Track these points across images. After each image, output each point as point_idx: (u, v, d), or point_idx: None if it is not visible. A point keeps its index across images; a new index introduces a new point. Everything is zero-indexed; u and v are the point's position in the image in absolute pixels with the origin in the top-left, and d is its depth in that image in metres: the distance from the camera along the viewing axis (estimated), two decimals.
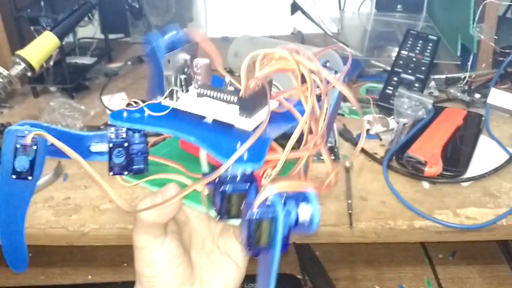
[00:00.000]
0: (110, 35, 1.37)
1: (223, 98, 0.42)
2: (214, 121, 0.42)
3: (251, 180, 0.37)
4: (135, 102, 0.44)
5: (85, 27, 1.31)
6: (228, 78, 0.44)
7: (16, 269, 0.47)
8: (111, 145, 0.42)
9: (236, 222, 0.39)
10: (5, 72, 0.93)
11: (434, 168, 0.83)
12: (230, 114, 0.41)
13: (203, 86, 0.43)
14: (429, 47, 1.10)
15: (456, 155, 0.88)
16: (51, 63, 1.15)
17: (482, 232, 0.77)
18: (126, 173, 0.44)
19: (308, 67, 0.40)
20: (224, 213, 0.38)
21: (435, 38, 1.11)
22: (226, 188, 0.37)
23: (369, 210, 0.79)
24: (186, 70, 0.44)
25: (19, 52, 0.94)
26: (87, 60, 1.26)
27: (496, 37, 1.11)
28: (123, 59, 1.34)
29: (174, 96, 0.43)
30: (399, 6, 1.36)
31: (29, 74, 0.95)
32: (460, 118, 0.97)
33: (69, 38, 1.24)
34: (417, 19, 1.35)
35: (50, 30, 0.98)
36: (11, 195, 0.43)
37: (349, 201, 0.79)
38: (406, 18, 1.35)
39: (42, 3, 1.13)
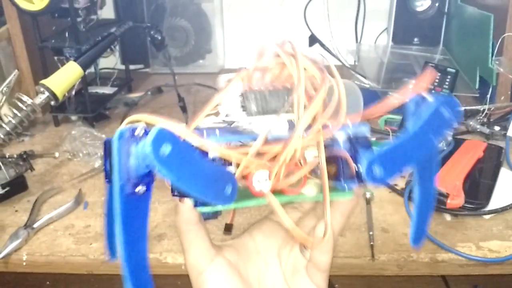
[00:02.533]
0: (130, 66, 1.39)
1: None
2: None
3: None
4: None
5: (106, 58, 1.34)
6: None
7: None
8: None
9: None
10: (29, 101, 0.94)
11: (456, 200, 0.82)
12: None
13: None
14: (447, 80, 1.10)
15: (478, 188, 0.88)
16: (73, 92, 1.17)
17: (505, 266, 0.76)
18: None
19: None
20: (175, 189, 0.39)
21: (453, 70, 1.11)
22: None
23: (391, 242, 0.78)
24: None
25: (43, 81, 0.95)
26: (107, 90, 1.28)
27: None
28: (143, 89, 1.36)
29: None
30: (415, 39, 1.37)
31: (52, 103, 0.97)
32: (480, 151, 0.97)
33: (91, 69, 1.26)
34: (434, 51, 1.36)
35: (74, 60, 0.99)
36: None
37: (371, 233, 0.79)
38: (423, 51, 1.36)
39: (66, 34, 1.15)
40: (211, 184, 0.37)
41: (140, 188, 0.37)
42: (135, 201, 0.37)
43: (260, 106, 0.41)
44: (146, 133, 0.36)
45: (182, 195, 0.40)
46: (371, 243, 0.77)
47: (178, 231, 0.42)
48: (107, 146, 0.38)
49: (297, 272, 0.45)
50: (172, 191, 0.40)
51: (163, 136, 0.34)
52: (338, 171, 0.41)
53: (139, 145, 0.35)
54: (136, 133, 0.36)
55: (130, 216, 0.37)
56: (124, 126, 0.37)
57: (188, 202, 0.41)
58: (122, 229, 0.37)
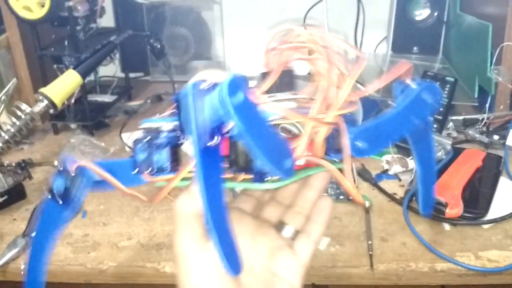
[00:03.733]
0: (130, 74, 1.40)
1: None
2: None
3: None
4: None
5: (106, 66, 1.34)
6: None
7: None
8: (135, 142, 0.42)
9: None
10: (28, 109, 0.94)
11: (455, 209, 0.82)
12: None
13: None
14: (446, 89, 1.10)
15: (477, 197, 0.88)
16: (72, 100, 1.17)
17: (504, 276, 0.76)
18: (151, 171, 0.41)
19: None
20: (233, 165, 0.40)
21: (452, 79, 1.11)
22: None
23: (390, 252, 0.78)
24: None
25: (42, 89, 0.96)
26: (107, 98, 1.28)
27: None
28: (143, 97, 1.36)
29: None
30: (415, 48, 1.37)
31: (51, 111, 0.97)
32: (479, 160, 0.96)
33: (90, 77, 1.26)
34: (433, 60, 1.36)
35: (74, 69, 0.99)
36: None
37: (370, 242, 0.79)
38: (422, 60, 1.36)
39: (66, 42, 1.16)
40: (274, 146, 0.38)
41: (215, 140, 0.38)
42: (210, 153, 0.38)
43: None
44: (213, 87, 0.36)
45: (239, 170, 0.40)
46: (370, 252, 0.77)
47: (176, 212, 0.41)
48: (179, 101, 0.38)
49: (276, 252, 0.44)
50: (230, 164, 0.40)
51: (237, 82, 0.35)
52: (327, 144, 0.43)
53: (214, 92, 0.35)
54: (203, 87, 0.37)
55: (208, 168, 0.37)
56: (193, 80, 0.37)
57: None
58: (203, 182, 0.37)
